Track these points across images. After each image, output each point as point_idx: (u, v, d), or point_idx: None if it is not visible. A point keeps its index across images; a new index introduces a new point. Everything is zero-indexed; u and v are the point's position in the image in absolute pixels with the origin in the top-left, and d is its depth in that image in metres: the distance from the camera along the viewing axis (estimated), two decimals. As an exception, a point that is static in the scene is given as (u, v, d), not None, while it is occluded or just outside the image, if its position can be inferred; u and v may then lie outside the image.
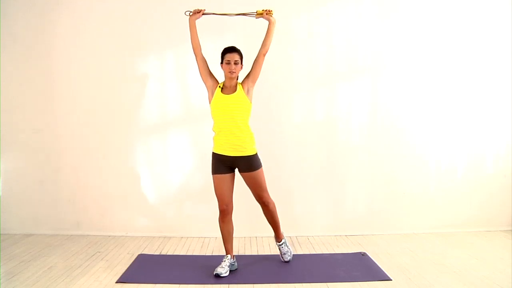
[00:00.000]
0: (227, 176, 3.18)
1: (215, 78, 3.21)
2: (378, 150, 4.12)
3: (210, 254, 3.65)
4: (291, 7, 3.99)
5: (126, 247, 3.83)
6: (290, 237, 3.94)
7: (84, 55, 4.11)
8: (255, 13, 3.20)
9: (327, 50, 4.07)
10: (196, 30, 3.16)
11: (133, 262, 3.44)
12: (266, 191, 3.23)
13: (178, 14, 3.31)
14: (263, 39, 3.16)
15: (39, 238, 4.08)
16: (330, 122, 4.12)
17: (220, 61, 3.17)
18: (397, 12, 4.09)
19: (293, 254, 3.48)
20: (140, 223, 4.19)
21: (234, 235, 3.29)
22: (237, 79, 3.19)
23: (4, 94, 4.17)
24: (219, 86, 3.16)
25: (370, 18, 4.06)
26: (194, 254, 3.67)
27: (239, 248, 3.75)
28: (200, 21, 3.18)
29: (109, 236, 4.12)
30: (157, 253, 3.70)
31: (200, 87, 3.49)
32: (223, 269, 3.14)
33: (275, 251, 3.59)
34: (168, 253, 3.69)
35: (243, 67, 3.20)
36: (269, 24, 3.18)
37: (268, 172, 3.28)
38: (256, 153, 3.19)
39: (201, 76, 3.22)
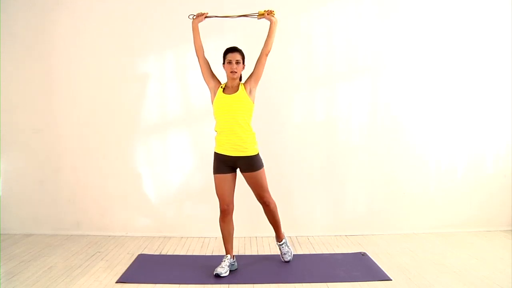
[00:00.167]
0: (228, 176, 3.19)
1: (218, 79, 3.23)
2: (378, 150, 4.12)
3: (210, 254, 3.65)
4: (291, 7, 3.99)
5: (126, 247, 3.83)
6: (290, 237, 3.94)
7: (84, 55, 4.11)
8: (257, 14, 3.21)
9: (327, 50, 4.07)
10: (199, 33, 3.20)
11: (133, 262, 3.44)
12: (268, 191, 3.24)
13: (178, 14, 3.32)
14: (265, 39, 3.18)
15: (39, 238, 4.08)
16: (330, 122, 4.12)
17: (222, 61, 3.19)
18: (397, 12, 4.09)
19: (293, 254, 3.48)
20: (140, 223, 4.19)
21: (234, 235, 3.29)
22: (240, 80, 3.20)
23: (4, 94, 4.17)
24: (221, 86, 3.18)
25: (370, 18, 4.06)
26: (194, 254, 3.67)
27: (239, 248, 3.75)
28: (202, 22, 3.22)
29: (109, 236, 4.12)
30: (157, 253, 3.70)
31: (200, 87, 3.50)
32: (223, 269, 3.14)
33: (275, 251, 3.59)
34: (168, 253, 3.69)
35: (245, 67, 3.21)
36: (270, 24, 3.19)
37: (268, 172, 3.28)
38: (258, 153, 3.20)
39: (204, 78, 3.23)
